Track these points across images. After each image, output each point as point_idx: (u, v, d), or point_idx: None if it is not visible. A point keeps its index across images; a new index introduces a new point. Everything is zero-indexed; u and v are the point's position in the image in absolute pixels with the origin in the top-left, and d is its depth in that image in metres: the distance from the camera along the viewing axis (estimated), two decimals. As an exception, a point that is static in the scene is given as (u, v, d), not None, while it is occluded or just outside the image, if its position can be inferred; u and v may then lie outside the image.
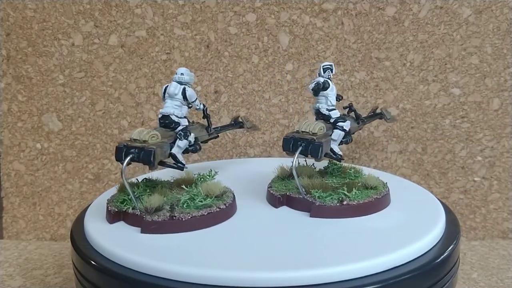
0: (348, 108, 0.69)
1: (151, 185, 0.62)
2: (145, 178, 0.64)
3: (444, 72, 0.91)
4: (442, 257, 0.52)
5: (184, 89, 0.60)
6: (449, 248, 0.54)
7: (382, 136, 0.93)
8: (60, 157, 0.95)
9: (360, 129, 0.73)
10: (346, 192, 0.59)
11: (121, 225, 0.57)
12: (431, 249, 0.53)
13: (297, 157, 0.58)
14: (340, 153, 0.63)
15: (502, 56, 0.90)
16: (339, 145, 0.64)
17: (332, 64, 0.64)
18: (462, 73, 0.91)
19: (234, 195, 0.61)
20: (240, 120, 0.75)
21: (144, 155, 0.55)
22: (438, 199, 0.65)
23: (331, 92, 0.64)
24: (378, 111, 0.76)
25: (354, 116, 0.69)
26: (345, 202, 0.58)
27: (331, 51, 0.91)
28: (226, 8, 0.91)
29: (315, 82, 0.63)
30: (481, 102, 0.92)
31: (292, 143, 0.59)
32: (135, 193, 0.58)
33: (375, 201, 0.59)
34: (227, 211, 0.58)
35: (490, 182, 0.94)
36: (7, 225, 0.97)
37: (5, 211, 0.97)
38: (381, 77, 0.92)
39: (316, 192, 0.59)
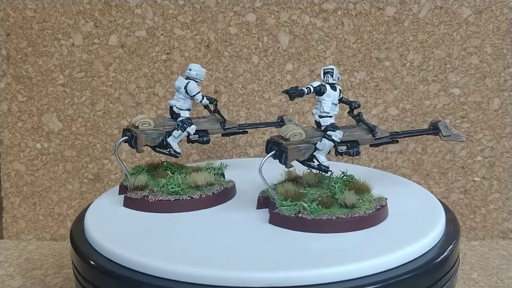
0: (357, 117, 0.63)
1: (164, 168, 0.68)
2: (166, 161, 0.70)
3: (444, 72, 0.91)
4: (442, 257, 0.52)
5: (187, 84, 0.65)
6: (449, 248, 0.54)
7: (382, 136, 0.93)
8: (60, 157, 0.95)
9: (390, 143, 0.65)
10: (305, 205, 0.55)
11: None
12: (431, 249, 0.53)
13: (265, 161, 0.58)
14: (326, 164, 0.59)
15: (502, 56, 0.90)
16: (343, 155, 0.61)
17: (334, 68, 0.59)
18: (462, 73, 0.91)
19: (223, 190, 0.64)
20: (283, 119, 0.76)
21: (131, 139, 0.64)
22: (438, 199, 0.65)
23: (327, 98, 0.59)
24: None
25: (366, 126, 0.62)
26: (300, 215, 0.55)
27: (331, 51, 0.91)
28: (226, 8, 0.91)
29: (308, 86, 0.59)
30: (481, 102, 0.92)
31: (269, 147, 0.59)
32: (130, 171, 0.67)
33: (337, 220, 0.54)
34: (198, 202, 0.61)
35: (490, 182, 0.94)
36: (7, 225, 0.97)
37: (5, 211, 0.97)
38: (381, 77, 0.92)
39: (279, 199, 0.57)
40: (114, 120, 0.94)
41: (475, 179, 0.94)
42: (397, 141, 0.66)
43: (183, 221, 0.59)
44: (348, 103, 0.61)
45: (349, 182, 0.60)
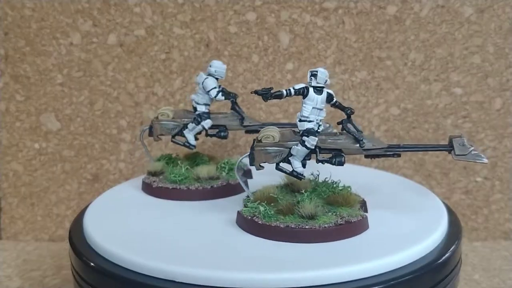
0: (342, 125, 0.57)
1: (189, 158, 0.72)
2: (196, 151, 0.73)
3: (445, 71, 0.91)
4: (444, 258, 0.52)
5: (205, 79, 0.67)
6: (451, 249, 0.53)
7: (383, 136, 0.93)
8: (58, 157, 0.95)
9: (390, 156, 0.57)
10: (261, 208, 0.54)
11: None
12: (432, 250, 0.53)
13: (240, 161, 0.59)
14: (299, 170, 0.56)
15: (504, 56, 0.90)
16: (324, 163, 0.57)
17: (319, 70, 0.55)
18: (464, 73, 0.91)
19: (225, 185, 0.65)
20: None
21: (149, 128, 0.70)
22: (441, 200, 0.64)
23: (308, 102, 0.55)
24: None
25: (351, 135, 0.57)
26: (254, 218, 0.54)
27: (331, 50, 0.91)
28: (225, 7, 0.90)
29: (289, 88, 0.56)
30: (483, 102, 0.91)
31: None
32: (155, 158, 0.72)
33: (285, 229, 0.52)
34: (193, 193, 0.64)
35: (492, 182, 0.93)
36: (5, 226, 0.96)
37: (3, 212, 0.96)
38: (382, 77, 0.91)
39: (246, 200, 0.57)
40: (113, 120, 0.93)
41: (477, 179, 0.93)
42: (399, 155, 0.58)
43: (170, 213, 0.61)
44: (342, 108, 0.57)
45: (332, 193, 0.57)
